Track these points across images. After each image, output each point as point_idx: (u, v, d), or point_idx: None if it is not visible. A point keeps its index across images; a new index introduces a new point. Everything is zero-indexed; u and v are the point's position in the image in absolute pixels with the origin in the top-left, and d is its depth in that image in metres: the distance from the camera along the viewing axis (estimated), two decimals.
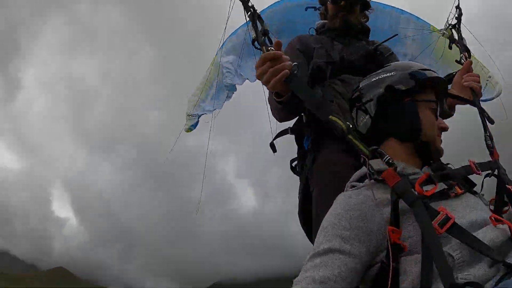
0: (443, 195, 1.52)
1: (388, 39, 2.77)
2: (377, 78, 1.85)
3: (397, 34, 3.15)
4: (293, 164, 2.66)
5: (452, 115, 2.45)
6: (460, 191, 1.59)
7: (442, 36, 3.50)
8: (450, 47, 3.00)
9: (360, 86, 1.93)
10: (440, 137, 1.83)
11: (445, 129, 1.86)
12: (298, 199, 2.58)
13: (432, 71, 1.90)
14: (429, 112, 1.76)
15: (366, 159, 1.59)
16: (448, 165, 1.77)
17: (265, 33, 2.09)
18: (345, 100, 2.26)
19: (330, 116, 1.73)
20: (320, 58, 2.47)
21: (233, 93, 4.31)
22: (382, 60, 2.47)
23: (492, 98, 3.63)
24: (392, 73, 1.81)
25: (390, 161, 1.53)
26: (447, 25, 3.10)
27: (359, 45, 2.67)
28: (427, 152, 1.75)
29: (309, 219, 2.36)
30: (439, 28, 3.58)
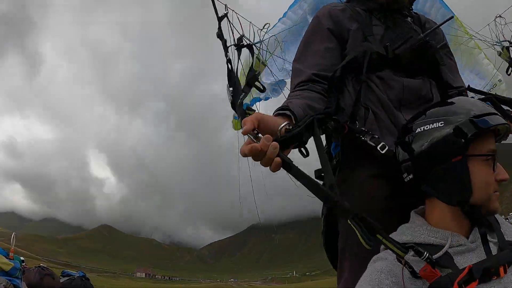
0: (484, 277, 1.27)
1: (444, 22, 2.08)
2: (422, 129, 1.49)
3: (453, 16, 2.59)
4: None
5: None
6: (503, 273, 1.30)
7: (495, 51, 3.21)
8: (509, 73, 2.66)
9: (414, 129, 1.53)
10: (497, 192, 1.44)
11: (504, 180, 1.45)
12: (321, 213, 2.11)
13: (494, 113, 1.45)
14: (485, 168, 1.40)
15: (402, 258, 1.30)
16: (507, 220, 1.48)
17: (252, 80, 2.06)
18: (385, 110, 1.88)
19: (348, 220, 1.29)
20: (357, 46, 1.97)
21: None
22: (433, 54, 1.91)
23: None
24: (441, 124, 1.45)
25: (429, 259, 1.27)
26: (499, 41, 2.68)
27: (405, 28, 2.05)
28: (478, 215, 1.42)
29: (333, 239, 1.96)
30: (478, 36, 3.14)
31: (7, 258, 11.68)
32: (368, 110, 1.86)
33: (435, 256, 1.28)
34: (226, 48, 2.58)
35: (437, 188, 1.45)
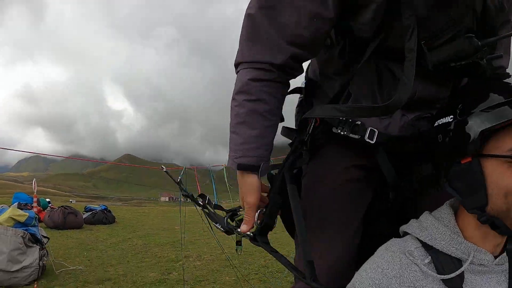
0: None
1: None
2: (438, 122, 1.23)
3: None
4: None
5: None
6: None
7: None
8: None
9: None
10: None
11: None
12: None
13: None
14: (505, 171, 1.08)
15: None
16: None
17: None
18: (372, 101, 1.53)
19: None
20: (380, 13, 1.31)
21: None
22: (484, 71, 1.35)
23: None
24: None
25: None
26: None
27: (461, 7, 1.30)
28: (502, 228, 1.13)
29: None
30: None
31: (30, 204, 13.41)
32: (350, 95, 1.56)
33: (446, 277, 1.12)
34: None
35: (455, 187, 1.19)
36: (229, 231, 1.82)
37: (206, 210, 2.09)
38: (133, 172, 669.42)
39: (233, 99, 1.52)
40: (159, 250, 9.57)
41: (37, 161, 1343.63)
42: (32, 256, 6.30)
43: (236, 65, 1.54)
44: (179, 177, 2.26)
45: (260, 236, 1.59)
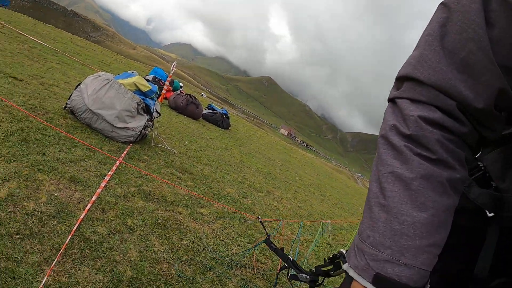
0: None
1: None
2: None
3: None
4: None
5: None
6: None
7: None
8: None
9: None
10: None
11: None
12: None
13: None
14: None
15: None
16: None
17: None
18: None
19: None
20: None
21: None
22: None
23: None
24: None
25: None
26: None
27: None
28: None
29: None
30: None
31: (164, 81, 14.29)
32: None
33: None
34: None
35: None
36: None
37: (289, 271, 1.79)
38: (267, 94, 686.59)
39: (385, 137, 1.02)
40: (249, 172, 9.68)
41: (187, 49, 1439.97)
42: (138, 122, 6.70)
43: (401, 78, 1.06)
44: (268, 234, 2.02)
45: None
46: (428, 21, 1.04)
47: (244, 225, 5.53)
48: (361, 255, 0.96)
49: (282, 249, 1.92)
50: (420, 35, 1.06)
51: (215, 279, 3.72)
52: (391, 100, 1.06)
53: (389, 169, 0.95)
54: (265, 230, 2.38)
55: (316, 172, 22.16)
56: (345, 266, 1.01)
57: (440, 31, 0.97)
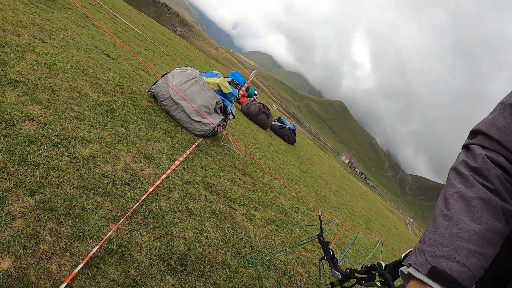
0: None
1: None
2: None
3: None
4: None
5: None
6: None
7: None
8: None
9: None
10: None
11: None
12: None
13: None
14: None
15: None
16: None
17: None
18: None
19: None
20: None
21: None
22: None
23: None
24: None
25: None
26: None
27: None
28: None
29: None
30: None
31: (241, 86, 14.60)
32: None
33: None
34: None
35: None
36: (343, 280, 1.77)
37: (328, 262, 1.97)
38: (336, 119, 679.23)
39: (455, 169, 1.29)
40: (304, 190, 9.80)
41: (266, 59, 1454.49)
42: (214, 120, 7.06)
43: (475, 131, 1.36)
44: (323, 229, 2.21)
45: None
46: None
47: (290, 237, 5.70)
48: (421, 253, 1.14)
49: (328, 243, 2.16)
50: (497, 102, 1.37)
51: (254, 276, 3.92)
52: (465, 146, 1.35)
53: (455, 190, 1.20)
54: (320, 224, 2.58)
55: (368, 206, 21.82)
56: (403, 268, 1.19)
57: (511, 103, 1.29)
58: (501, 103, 1.31)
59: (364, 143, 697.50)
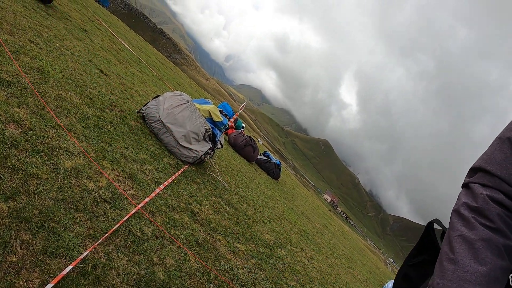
0: None
1: None
2: None
3: None
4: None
5: None
6: None
7: None
8: None
9: None
10: None
11: None
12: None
13: None
14: None
15: None
16: None
17: None
18: None
19: None
20: None
21: None
22: None
23: None
24: None
25: None
26: None
27: None
28: None
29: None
30: None
31: (229, 117, 14.53)
32: None
33: None
34: None
35: None
36: None
37: None
38: (321, 157, 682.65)
39: (457, 211, 1.30)
40: (287, 226, 9.63)
41: (256, 94, 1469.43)
42: (201, 147, 6.93)
43: (474, 169, 1.39)
44: None
45: None
46: (496, 118, 1.29)
47: (273, 272, 5.49)
48: None
49: None
50: (495, 137, 1.40)
51: None
52: (465, 185, 1.36)
53: (458, 233, 1.22)
54: None
55: (350, 245, 21.63)
56: None
57: (508, 137, 1.33)
58: (499, 138, 1.36)
59: (347, 182, 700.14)
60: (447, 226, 1.44)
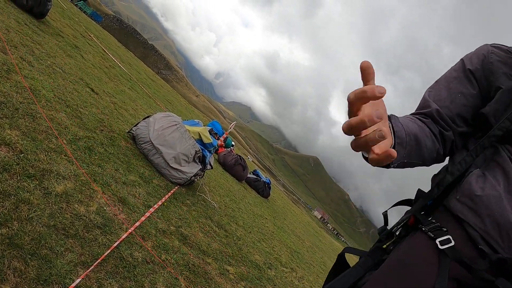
0: None
1: None
2: None
3: None
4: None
5: None
6: None
7: None
8: None
9: None
10: None
11: None
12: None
13: None
14: None
15: None
16: None
17: None
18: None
19: None
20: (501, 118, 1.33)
21: None
22: None
23: None
24: None
25: None
26: None
27: None
28: None
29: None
30: None
31: (219, 136, 14.56)
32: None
33: None
34: None
35: None
36: None
37: None
38: (310, 174, 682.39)
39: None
40: (277, 245, 9.63)
41: (245, 111, 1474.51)
42: (191, 169, 6.95)
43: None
44: None
45: None
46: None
47: None
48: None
49: None
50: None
51: None
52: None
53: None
54: None
55: None
56: None
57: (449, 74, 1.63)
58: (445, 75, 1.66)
59: (337, 198, 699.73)
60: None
